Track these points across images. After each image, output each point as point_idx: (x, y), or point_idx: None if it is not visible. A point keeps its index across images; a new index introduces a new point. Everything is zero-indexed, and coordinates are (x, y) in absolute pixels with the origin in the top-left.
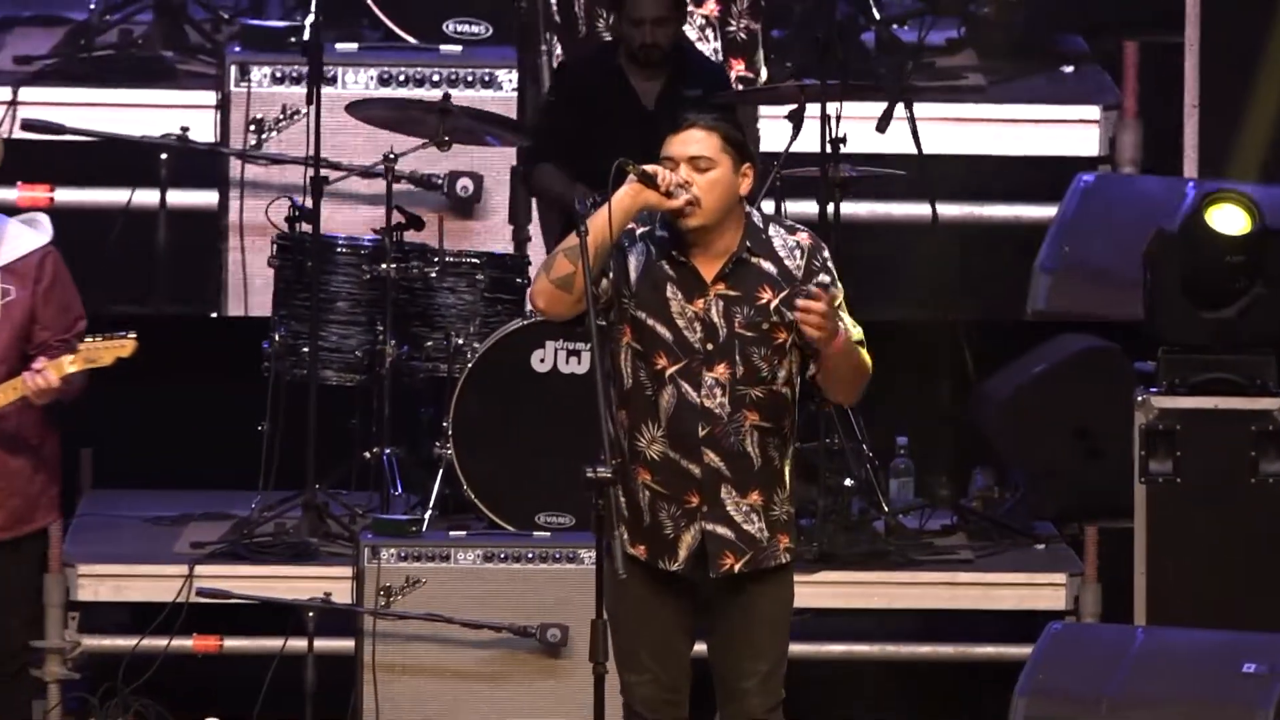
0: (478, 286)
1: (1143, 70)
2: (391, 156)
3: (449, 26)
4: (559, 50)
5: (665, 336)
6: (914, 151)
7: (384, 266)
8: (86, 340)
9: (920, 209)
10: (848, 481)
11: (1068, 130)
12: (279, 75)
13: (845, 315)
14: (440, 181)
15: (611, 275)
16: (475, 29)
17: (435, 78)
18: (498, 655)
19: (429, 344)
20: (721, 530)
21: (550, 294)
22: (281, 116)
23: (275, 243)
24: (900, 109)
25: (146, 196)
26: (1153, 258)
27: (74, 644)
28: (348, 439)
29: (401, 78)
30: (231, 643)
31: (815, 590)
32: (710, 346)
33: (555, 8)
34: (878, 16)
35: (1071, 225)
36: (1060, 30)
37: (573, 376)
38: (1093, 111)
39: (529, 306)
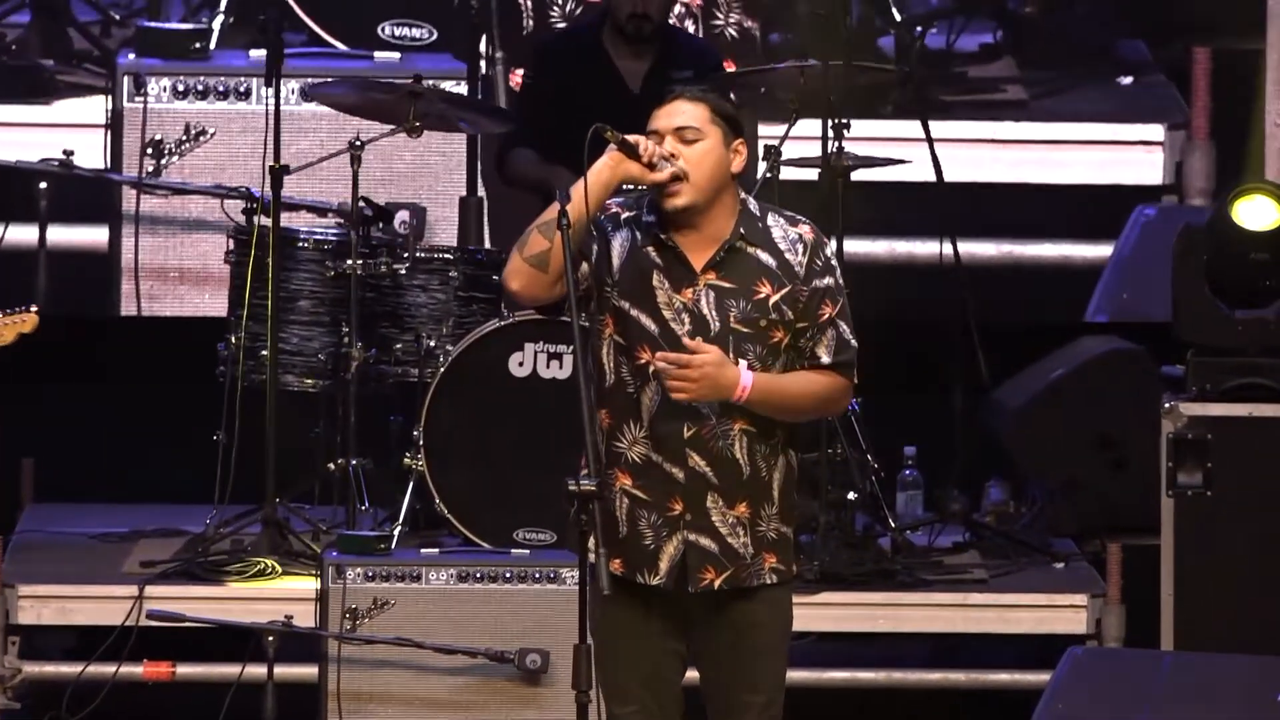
0: (451, 284)
1: (1216, 82)
2: (358, 143)
3: (385, 30)
4: (499, 54)
5: (650, 328)
6: (933, 178)
7: (349, 263)
8: None
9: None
10: (851, 495)
11: (1126, 154)
12: (181, 88)
13: (842, 325)
14: (371, 214)
15: (593, 261)
16: (416, 33)
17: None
18: (473, 683)
19: (398, 346)
20: (705, 542)
21: (525, 274)
22: (185, 138)
23: (231, 237)
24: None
25: (23, 233)
26: (1180, 254)
27: (14, 671)
28: (311, 449)
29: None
30: (185, 669)
31: (816, 612)
32: (700, 340)
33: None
34: (898, 17)
35: (1130, 268)
36: (1118, 34)
37: (554, 382)
38: (1156, 131)
39: (506, 308)
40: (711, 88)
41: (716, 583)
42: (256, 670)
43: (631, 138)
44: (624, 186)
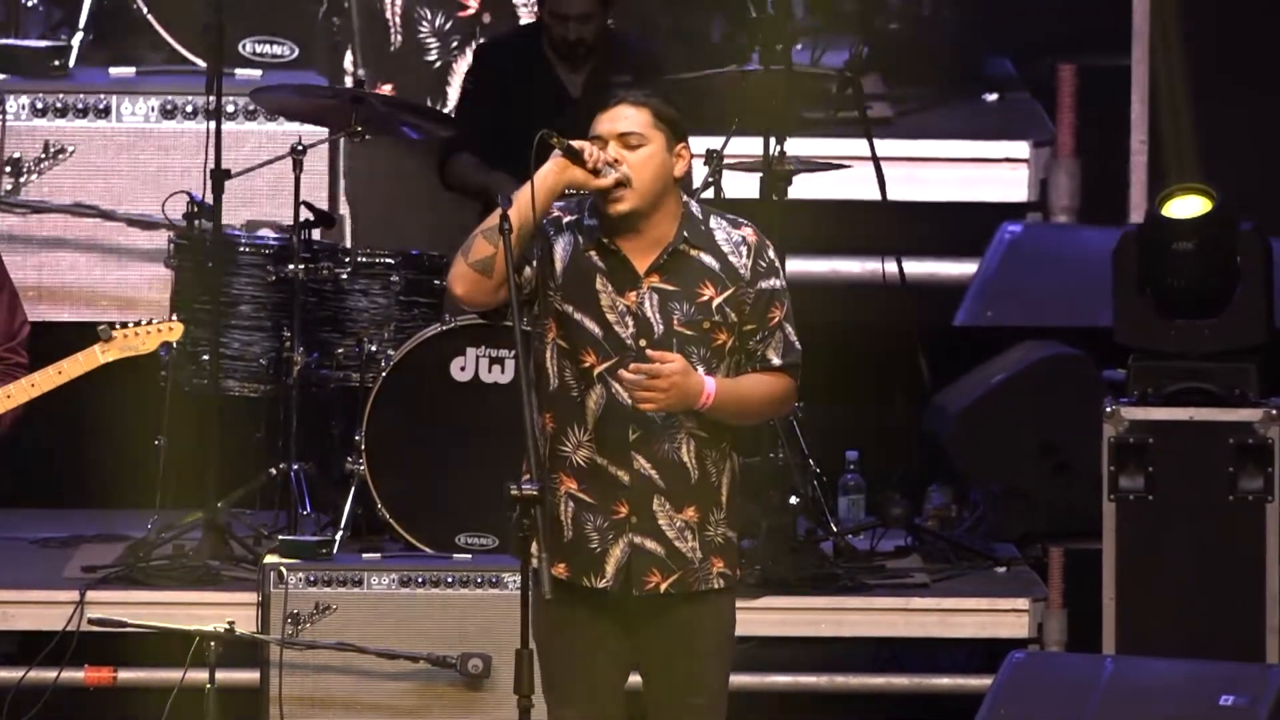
0: (392, 289)
1: (1081, 99)
2: (300, 148)
3: (246, 47)
4: (363, 71)
5: (594, 332)
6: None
7: (291, 267)
8: (120, 328)
9: (818, 265)
10: (793, 499)
11: (991, 171)
12: (40, 106)
13: (789, 328)
14: (236, 234)
15: (535, 264)
16: (278, 50)
17: (230, 108)
18: (415, 688)
19: (340, 351)
20: (650, 545)
21: (469, 279)
22: (44, 156)
23: (172, 242)
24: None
25: None
26: (1119, 260)
27: None
28: (252, 454)
29: (189, 108)
30: (126, 674)
31: (758, 617)
32: (644, 343)
33: (355, 17)
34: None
35: (995, 285)
36: (984, 51)
37: (495, 386)
38: (1021, 149)
39: (447, 312)
40: (654, 92)
41: (663, 586)
42: (198, 675)
43: (577, 144)
44: (567, 191)
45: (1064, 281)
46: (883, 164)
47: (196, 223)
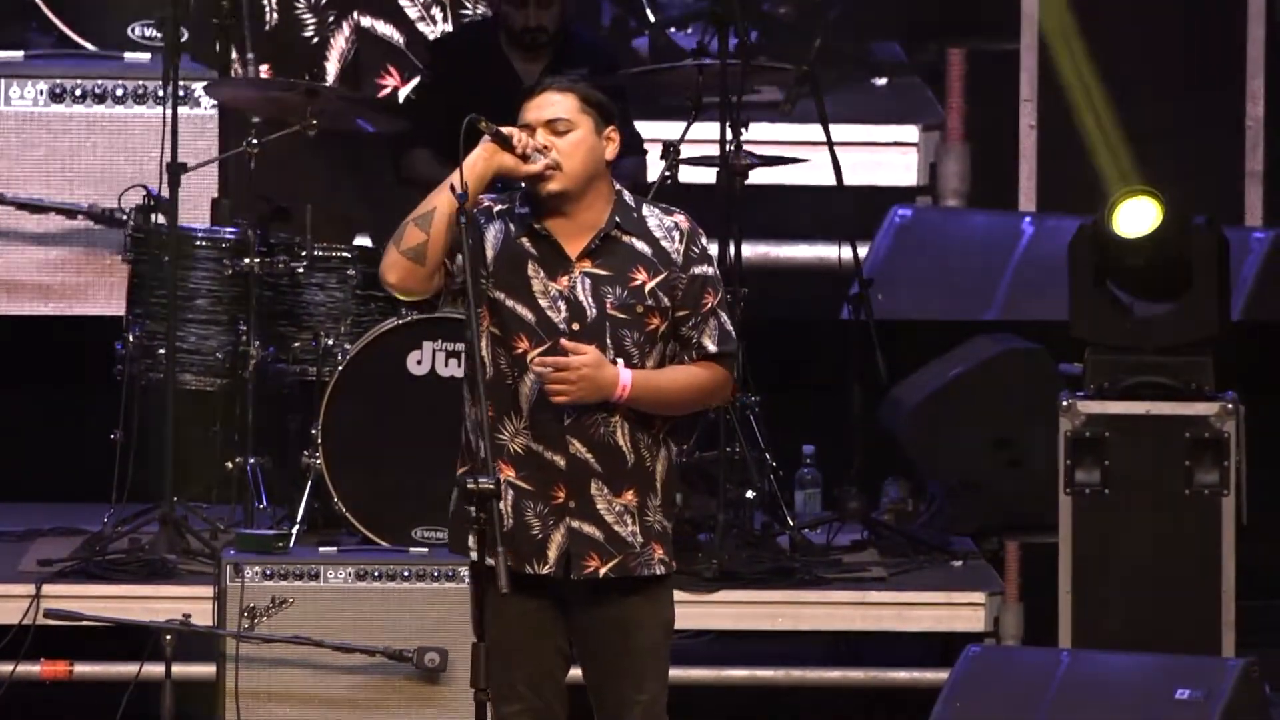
0: (349, 283)
1: (970, 84)
2: (254, 143)
3: (135, 30)
4: (250, 55)
5: (526, 317)
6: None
7: (247, 261)
8: None
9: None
10: (749, 493)
11: (881, 155)
12: None
13: (723, 316)
14: (125, 218)
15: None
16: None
17: (119, 91)
18: (371, 681)
19: (296, 345)
20: (589, 529)
21: (401, 267)
22: None
23: (129, 236)
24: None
25: None
26: (1075, 252)
27: None
28: (208, 448)
29: (78, 92)
30: (82, 668)
31: (715, 611)
32: (577, 327)
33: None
34: (652, 19)
35: (884, 269)
36: (872, 36)
37: (451, 380)
38: (910, 133)
39: (404, 305)
40: (581, 78)
41: (602, 571)
42: (154, 669)
43: (505, 130)
44: (499, 186)
45: (954, 266)
46: (770, 148)
47: (115, 213)
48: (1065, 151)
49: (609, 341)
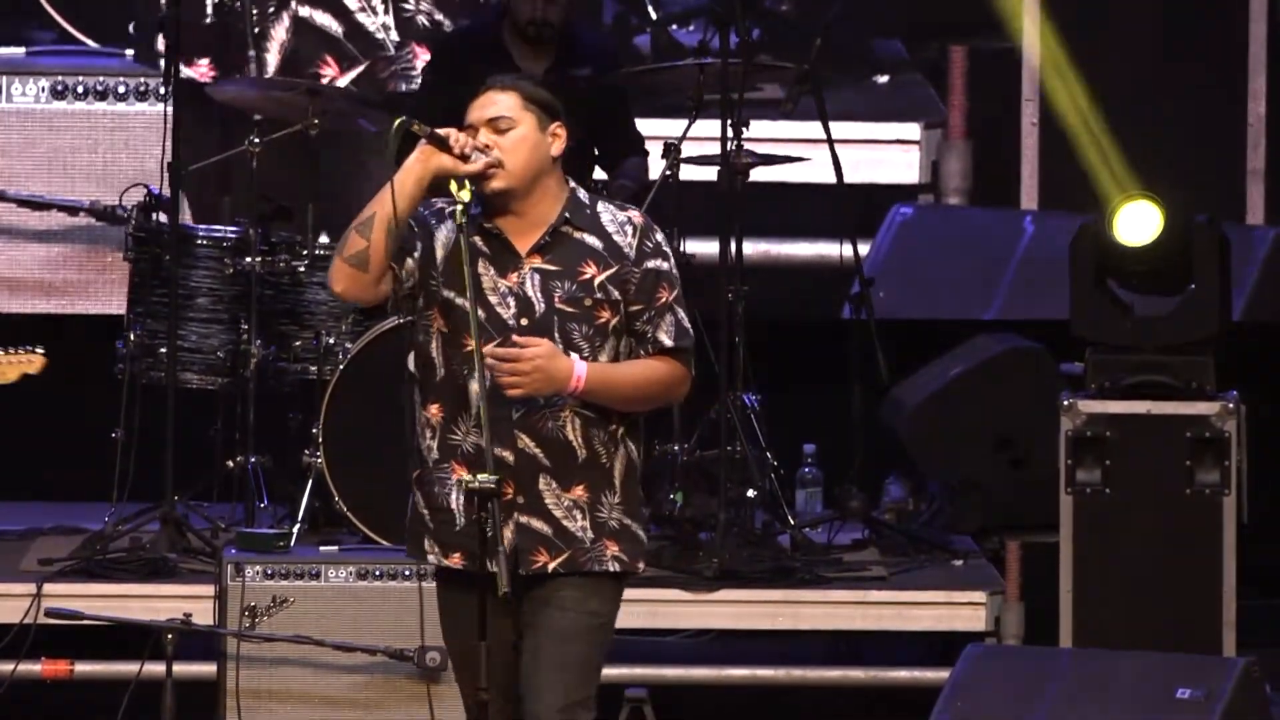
0: None
1: (972, 81)
2: (255, 142)
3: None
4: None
5: (479, 315)
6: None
7: (248, 260)
8: None
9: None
10: (750, 492)
11: (882, 153)
12: None
13: (680, 312)
14: (126, 215)
15: (417, 256)
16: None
17: (121, 88)
18: (372, 680)
19: (297, 344)
20: (537, 524)
21: (346, 274)
22: None
23: (130, 235)
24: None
25: None
26: (1076, 252)
27: None
28: (209, 447)
29: (80, 89)
30: (83, 667)
31: (715, 610)
32: (525, 322)
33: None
34: (654, 16)
35: (886, 267)
36: (874, 33)
37: None
38: (912, 130)
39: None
40: (522, 75)
41: (550, 565)
42: (155, 668)
43: (442, 131)
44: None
45: (956, 265)
46: (772, 145)
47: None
48: (1067, 149)
49: (557, 336)
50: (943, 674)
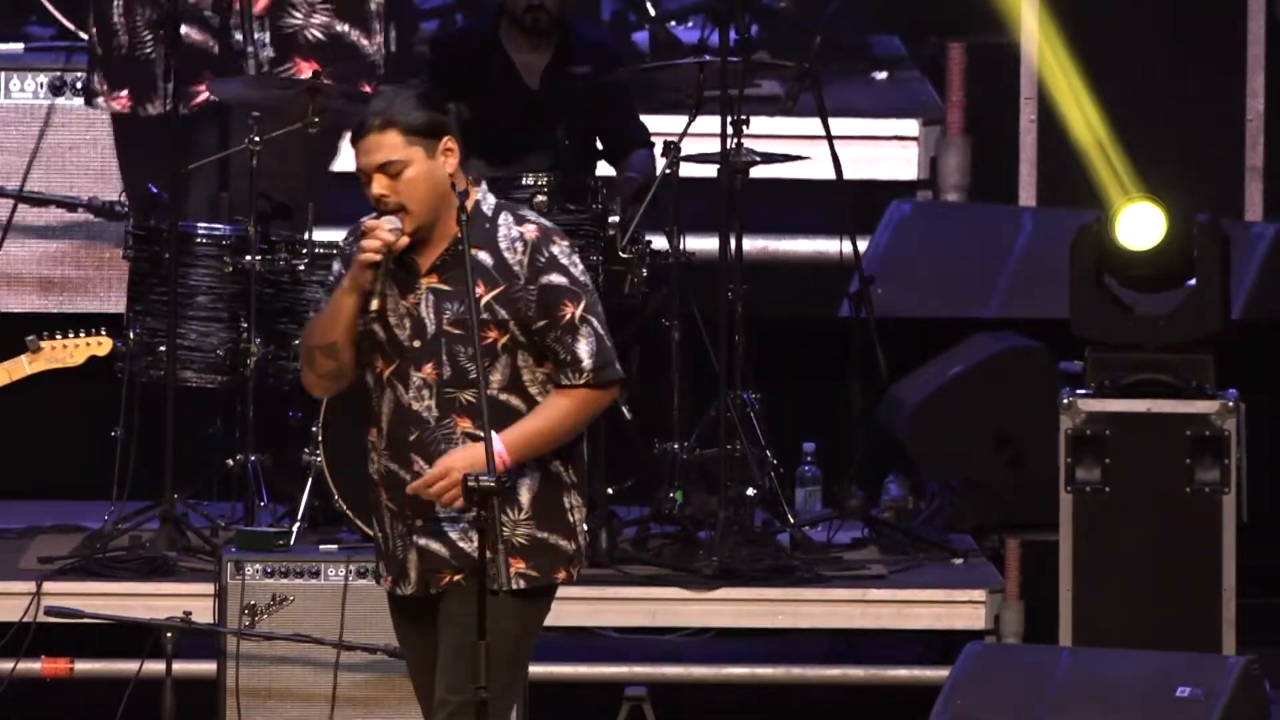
0: None
1: (971, 78)
2: (255, 140)
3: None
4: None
5: (381, 336)
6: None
7: (248, 258)
8: (48, 339)
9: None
10: (750, 491)
11: (880, 149)
12: None
13: (594, 323)
14: (125, 211)
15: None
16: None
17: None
18: (371, 679)
19: (297, 342)
20: (435, 546)
21: (325, 387)
22: None
23: (130, 233)
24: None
25: None
26: (1075, 251)
27: None
28: (209, 445)
29: (79, 85)
30: (83, 666)
31: (715, 608)
32: (418, 344)
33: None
34: (653, 12)
35: (884, 263)
36: (873, 29)
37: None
38: (911, 126)
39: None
40: (395, 102)
41: (456, 579)
42: (155, 667)
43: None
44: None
45: (954, 261)
46: (771, 141)
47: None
48: (1066, 145)
49: (444, 357)
50: (942, 673)
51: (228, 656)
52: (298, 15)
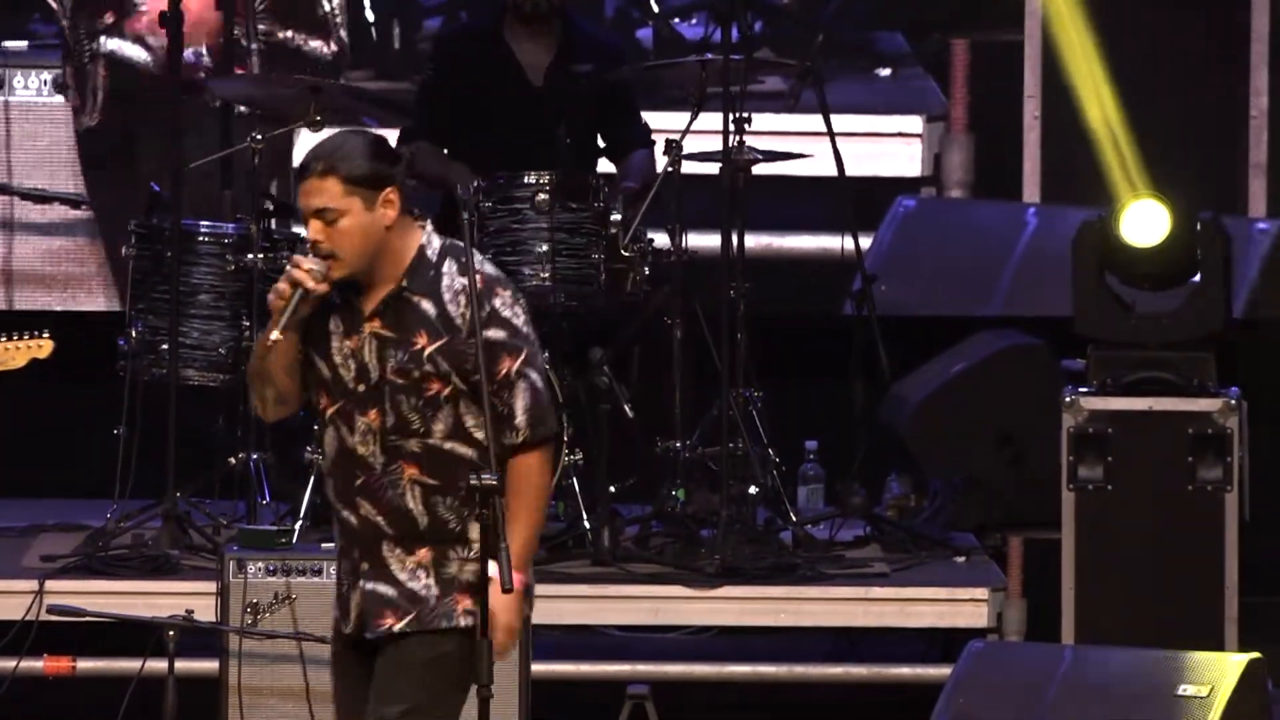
0: None
1: (974, 75)
2: (258, 138)
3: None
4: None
5: (325, 374)
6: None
7: (250, 257)
8: None
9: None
10: (752, 489)
11: (884, 145)
12: None
13: (532, 376)
14: (85, 202)
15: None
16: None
17: None
18: None
19: None
20: (382, 589)
21: (275, 413)
22: None
23: (132, 232)
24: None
25: None
26: (1078, 249)
27: None
28: (211, 444)
29: None
30: (86, 664)
31: (717, 607)
32: (362, 389)
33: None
34: (656, 9)
35: (888, 260)
36: (876, 26)
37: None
38: (915, 123)
39: None
40: (341, 151)
41: (397, 626)
42: (157, 665)
43: (271, 295)
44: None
45: (958, 257)
46: (775, 138)
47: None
48: (1069, 141)
49: (388, 406)
50: (944, 671)
51: (230, 655)
52: (238, 24)
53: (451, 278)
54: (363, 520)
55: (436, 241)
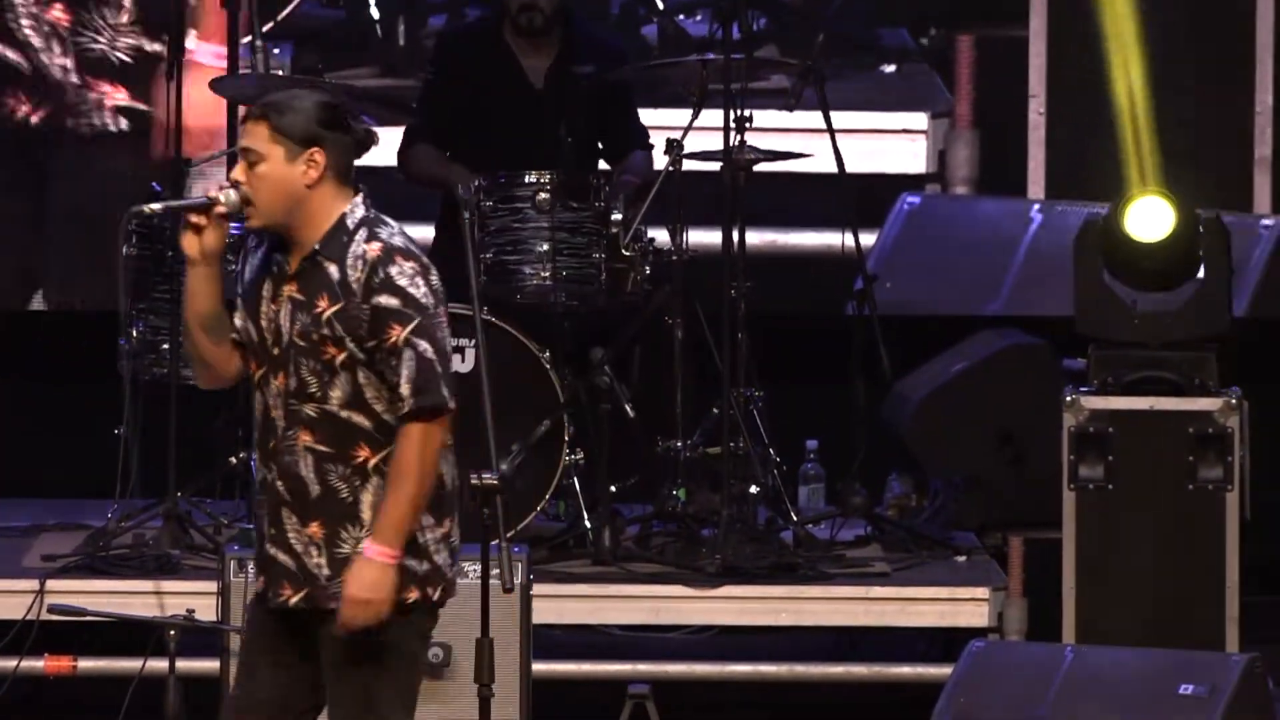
0: None
1: (979, 70)
2: None
3: None
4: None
5: (254, 338)
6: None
7: None
8: None
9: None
10: (753, 488)
11: (889, 142)
12: None
13: (421, 345)
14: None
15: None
16: None
17: None
18: None
19: None
20: (283, 558)
21: (202, 376)
22: None
23: (132, 230)
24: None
25: None
26: (1079, 247)
27: None
28: (212, 443)
29: None
30: (87, 664)
31: (718, 606)
32: (276, 351)
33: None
34: (661, 6)
35: (892, 256)
36: (881, 22)
37: (455, 376)
38: (919, 120)
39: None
40: (281, 100)
41: (292, 600)
42: (158, 664)
43: (176, 203)
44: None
45: (964, 254)
46: (779, 135)
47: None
48: (1074, 138)
49: (292, 369)
50: (945, 670)
51: (231, 654)
52: (101, 38)
53: (357, 245)
54: (269, 486)
55: (361, 212)
